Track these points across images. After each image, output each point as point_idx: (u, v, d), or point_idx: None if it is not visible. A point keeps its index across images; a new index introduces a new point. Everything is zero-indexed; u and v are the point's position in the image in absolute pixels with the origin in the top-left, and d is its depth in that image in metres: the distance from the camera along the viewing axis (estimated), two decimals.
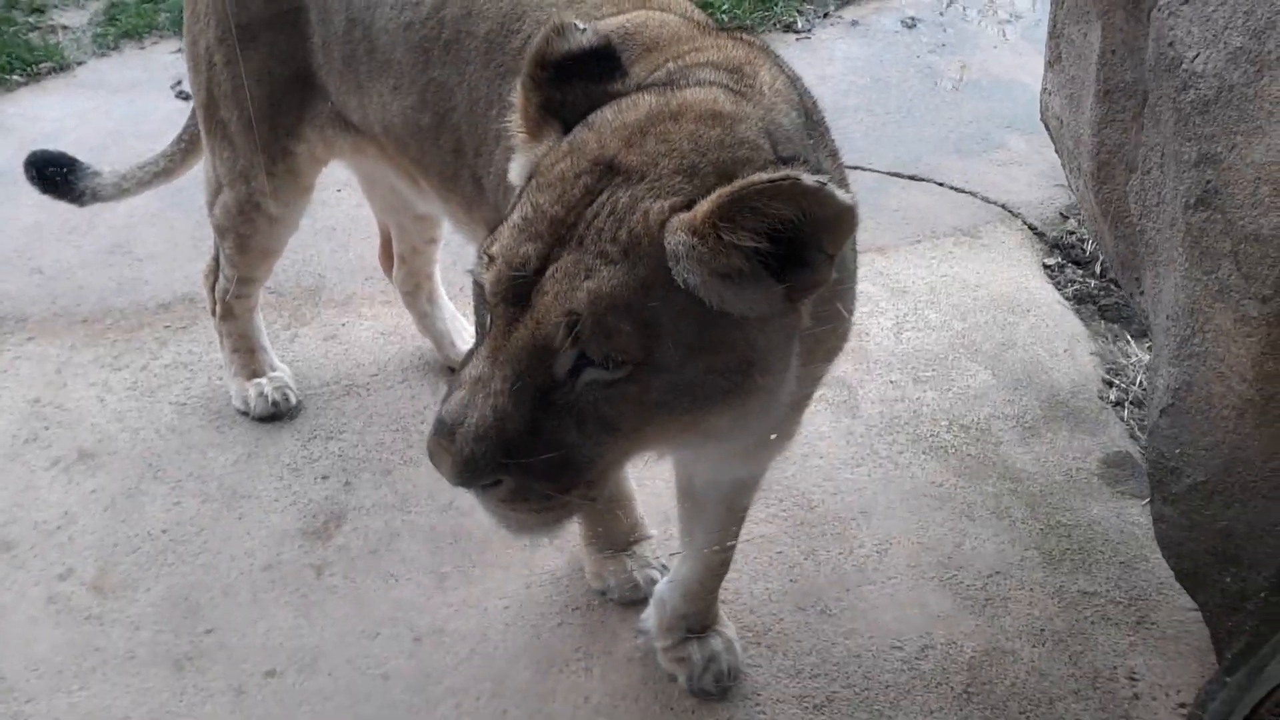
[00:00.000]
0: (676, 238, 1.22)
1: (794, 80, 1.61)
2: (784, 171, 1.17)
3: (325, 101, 2.33)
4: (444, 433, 1.26)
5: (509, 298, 1.26)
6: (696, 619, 2.26)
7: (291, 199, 2.54)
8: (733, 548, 2.17)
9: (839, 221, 1.20)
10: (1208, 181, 1.93)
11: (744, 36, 1.68)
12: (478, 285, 1.35)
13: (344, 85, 2.22)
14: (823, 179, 1.16)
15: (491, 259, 1.29)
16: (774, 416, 1.45)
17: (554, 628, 2.37)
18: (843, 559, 2.56)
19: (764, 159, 1.29)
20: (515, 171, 1.42)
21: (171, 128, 2.98)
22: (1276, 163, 1.75)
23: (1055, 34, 2.67)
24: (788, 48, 4.71)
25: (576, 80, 1.36)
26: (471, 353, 1.33)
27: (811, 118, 1.57)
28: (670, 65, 1.54)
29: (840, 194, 1.17)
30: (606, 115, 1.34)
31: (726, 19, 4.81)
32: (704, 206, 1.20)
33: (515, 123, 1.41)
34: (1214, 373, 1.94)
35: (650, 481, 2.54)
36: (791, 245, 1.21)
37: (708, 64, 1.50)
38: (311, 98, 2.34)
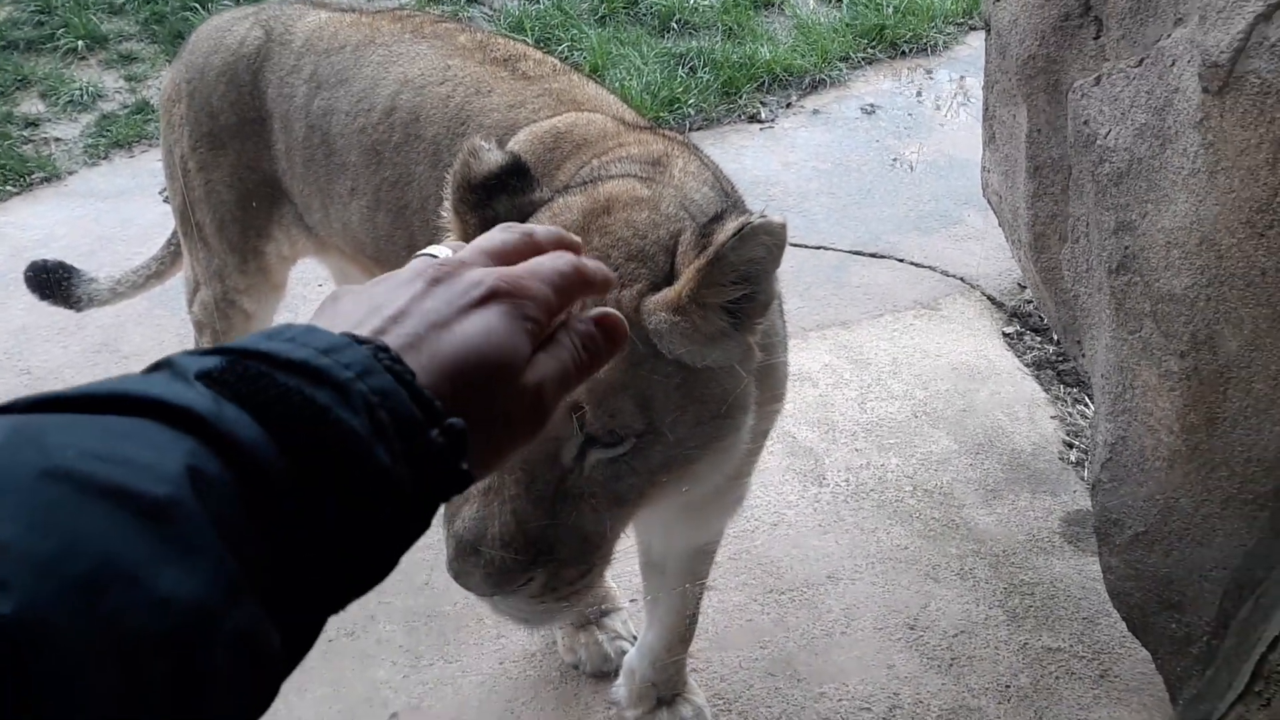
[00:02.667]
0: (658, 318, 1.31)
1: (710, 165, 1.76)
2: (740, 220, 1.28)
3: (290, 204, 2.46)
4: (467, 550, 1.30)
5: None
6: (666, 687, 2.30)
7: (263, 296, 2.66)
8: (696, 614, 2.23)
9: (783, 241, 1.32)
10: (1126, 248, 2.05)
11: (665, 132, 1.82)
12: None
13: (306, 188, 2.36)
14: (760, 213, 1.30)
15: None
16: (742, 451, 1.54)
17: (527, 701, 2.41)
18: (811, 624, 2.61)
19: (691, 226, 1.40)
20: None
21: (158, 231, 3.12)
22: (1183, 227, 1.88)
23: (989, 116, 2.84)
24: (753, 138, 4.92)
25: (500, 196, 1.42)
26: None
27: (728, 194, 1.71)
28: (595, 161, 1.67)
29: (776, 217, 1.29)
30: (544, 222, 1.42)
31: (693, 111, 5.02)
32: (685, 285, 1.30)
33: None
34: (1145, 426, 2.03)
35: (618, 554, 2.60)
36: (752, 282, 1.32)
37: (626, 157, 1.64)
38: (278, 200, 2.47)
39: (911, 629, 2.59)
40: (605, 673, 2.44)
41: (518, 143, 1.88)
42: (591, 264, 0.85)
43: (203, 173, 2.47)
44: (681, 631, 2.23)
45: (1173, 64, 1.97)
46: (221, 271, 2.59)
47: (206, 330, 2.73)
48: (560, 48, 5.45)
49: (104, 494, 0.54)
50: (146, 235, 3.74)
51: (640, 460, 1.35)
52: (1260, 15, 1.69)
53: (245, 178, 2.45)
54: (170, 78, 2.57)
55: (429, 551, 2.73)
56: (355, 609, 2.50)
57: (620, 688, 2.36)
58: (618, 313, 0.83)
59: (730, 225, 1.29)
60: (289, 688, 2.31)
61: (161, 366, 0.64)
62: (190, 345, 2.94)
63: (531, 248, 0.85)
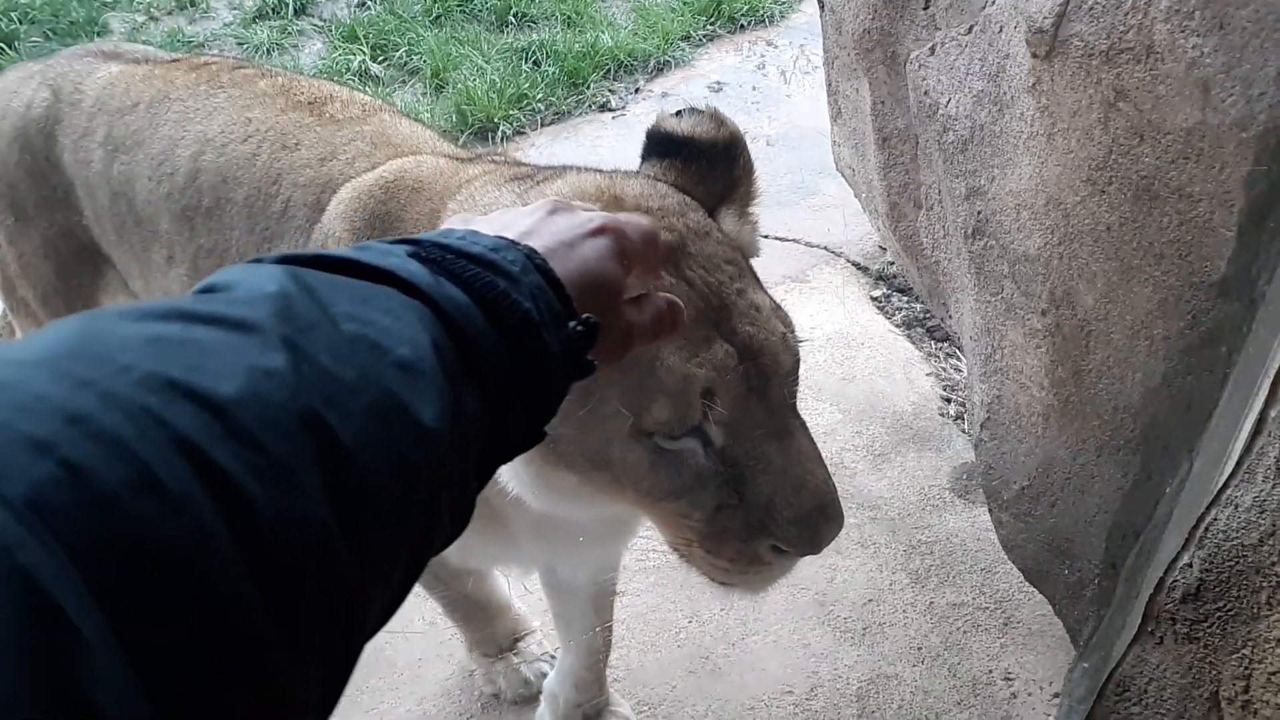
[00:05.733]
0: (744, 231, 1.43)
1: None
2: (709, 113, 1.47)
3: (115, 269, 2.32)
4: (831, 512, 1.29)
5: (748, 393, 1.26)
6: (590, 704, 2.28)
7: None
8: (610, 625, 2.21)
9: None
10: (978, 212, 2.10)
11: (496, 158, 1.77)
12: (677, 447, 1.27)
13: (122, 255, 2.21)
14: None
15: (709, 393, 1.23)
16: None
17: None
18: (724, 615, 2.62)
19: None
20: None
21: None
22: (1030, 189, 1.93)
23: (833, 91, 2.87)
24: (606, 127, 4.89)
25: None
26: (730, 497, 1.28)
27: None
28: (460, 195, 1.56)
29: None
30: None
31: (543, 106, 4.96)
32: (746, 195, 1.45)
33: None
34: (1017, 384, 2.10)
35: (522, 575, 2.56)
36: None
37: (496, 181, 1.55)
38: (101, 267, 2.32)
39: (821, 605, 2.63)
40: (527, 698, 2.40)
41: (342, 203, 1.75)
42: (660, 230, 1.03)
43: (13, 246, 2.30)
44: (599, 648, 2.21)
45: (1000, 30, 2.02)
46: None
47: None
48: (398, 54, 5.31)
49: (368, 345, 0.62)
50: None
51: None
52: None
53: (60, 247, 2.28)
54: None
55: None
56: None
57: (544, 714, 2.32)
58: (679, 302, 1.00)
59: (704, 118, 1.41)
60: None
61: (365, 249, 0.73)
62: None
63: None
